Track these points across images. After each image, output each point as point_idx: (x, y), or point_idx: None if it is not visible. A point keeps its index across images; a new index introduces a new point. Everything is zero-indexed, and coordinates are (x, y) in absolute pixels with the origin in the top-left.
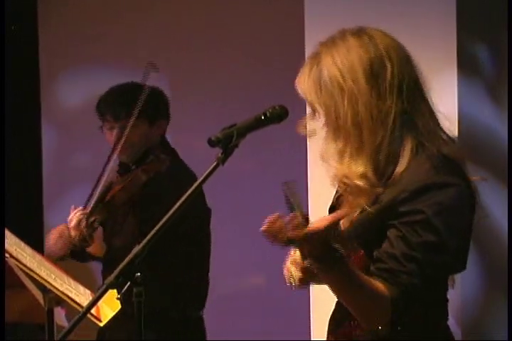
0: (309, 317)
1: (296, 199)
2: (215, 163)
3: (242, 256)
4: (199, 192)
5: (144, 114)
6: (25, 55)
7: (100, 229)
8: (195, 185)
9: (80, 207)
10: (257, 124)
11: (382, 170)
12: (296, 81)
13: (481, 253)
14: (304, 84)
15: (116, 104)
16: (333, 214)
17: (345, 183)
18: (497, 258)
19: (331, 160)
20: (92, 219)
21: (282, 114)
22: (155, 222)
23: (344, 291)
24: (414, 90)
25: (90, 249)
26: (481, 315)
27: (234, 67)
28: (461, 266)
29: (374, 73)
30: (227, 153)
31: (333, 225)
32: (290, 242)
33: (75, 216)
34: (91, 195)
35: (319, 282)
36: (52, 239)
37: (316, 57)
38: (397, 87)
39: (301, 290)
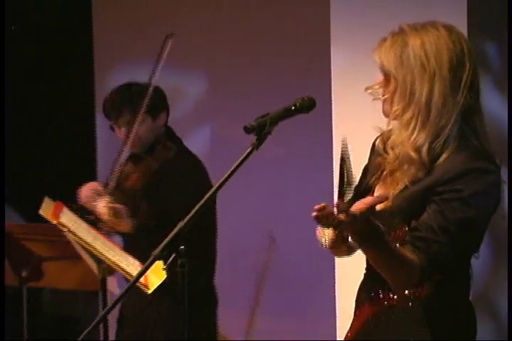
0: (334, 287)
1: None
2: (250, 149)
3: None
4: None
5: (147, 109)
6: (80, 49)
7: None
8: (233, 167)
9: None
10: (287, 114)
11: (436, 153)
12: (375, 51)
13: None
14: (384, 54)
15: (118, 104)
16: (373, 198)
17: (398, 151)
18: (500, 239)
19: (394, 128)
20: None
21: (310, 104)
22: (168, 204)
23: (382, 261)
24: (478, 92)
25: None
26: (484, 286)
27: (266, 63)
28: (478, 247)
29: (456, 66)
30: (261, 140)
31: (373, 207)
32: (338, 225)
33: (101, 203)
34: (106, 184)
35: (346, 247)
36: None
37: (401, 35)
38: (469, 86)
39: (329, 252)
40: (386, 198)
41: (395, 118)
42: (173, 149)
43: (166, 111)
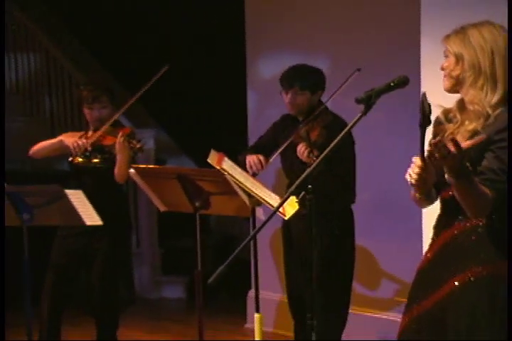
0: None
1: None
2: (359, 115)
3: (377, 173)
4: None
5: (308, 87)
6: (233, 38)
7: None
8: (347, 128)
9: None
10: (388, 88)
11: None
12: (444, 40)
13: None
14: (452, 41)
15: (290, 79)
16: (469, 142)
17: (476, 107)
18: None
19: (465, 94)
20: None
21: (405, 81)
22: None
23: (467, 195)
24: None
25: None
26: None
27: (370, 47)
28: None
29: (503, 52)
30: (368, 108)
31: (469, 149)
32: (447, 157)
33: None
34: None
35: (425, 189)
36: None
37: (462, 28)
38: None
39: (412, 187)
40: (486, 138)
41: (470, 86)
42: (330, 114)
43: (322, 90)
